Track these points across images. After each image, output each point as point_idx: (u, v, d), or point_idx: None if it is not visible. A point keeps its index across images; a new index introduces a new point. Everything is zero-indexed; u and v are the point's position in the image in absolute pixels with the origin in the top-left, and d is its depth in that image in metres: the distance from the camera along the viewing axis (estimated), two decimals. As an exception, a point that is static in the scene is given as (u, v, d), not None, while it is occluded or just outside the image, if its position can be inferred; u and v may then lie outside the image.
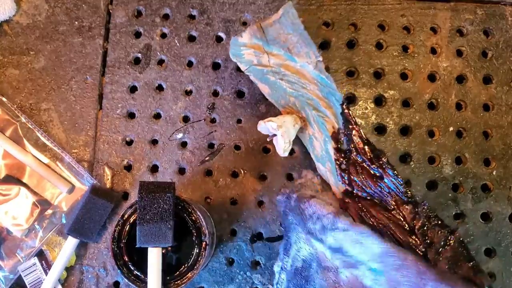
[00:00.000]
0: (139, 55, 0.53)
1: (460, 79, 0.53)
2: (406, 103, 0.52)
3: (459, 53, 0.53)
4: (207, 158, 0.51)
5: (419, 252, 0.41)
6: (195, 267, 0.41)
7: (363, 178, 0.45)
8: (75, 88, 0.53)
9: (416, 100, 0.52)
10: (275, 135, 0.44)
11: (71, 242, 0.48)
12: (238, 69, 0.53)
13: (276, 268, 0.46)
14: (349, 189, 0.45)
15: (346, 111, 0.46)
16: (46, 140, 0.51)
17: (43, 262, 0.49)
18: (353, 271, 0.40)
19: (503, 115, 0.51)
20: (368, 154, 0.46)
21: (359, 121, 0.49)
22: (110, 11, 0.54)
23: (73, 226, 0.47)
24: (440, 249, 0.42)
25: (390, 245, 0.39)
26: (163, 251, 0.41)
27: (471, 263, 0.42)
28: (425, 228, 0.43)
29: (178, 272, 0.42)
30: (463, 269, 0.42)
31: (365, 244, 0.39)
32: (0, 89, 0.52)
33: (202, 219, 0.42)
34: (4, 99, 0.52)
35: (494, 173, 0.50)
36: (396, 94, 0.52)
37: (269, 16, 0.47)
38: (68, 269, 0.49)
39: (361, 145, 0.46)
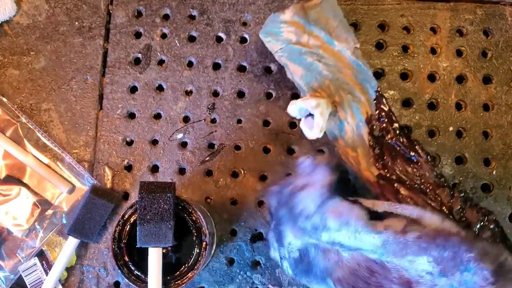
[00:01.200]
0: (139, 55, 0.53)
1: (460, 79, 0.53)
2: (406, 103, 0.52)
3: (459, 53, 0.53)
4: (207, 158, 0.51)
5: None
6: (195, 267, 0.41)
7: (398, 162, 0.44)
8: (75, 88, 0.53)
9: (416, 100, 0.52)
10: (309, 115, 0.44)
11: (72, 242, 0.48)
12: (238, 69, 0.53)
13: (275, 254, 0.44)
14: (383, 173, 0.45)
15: (380, 99, 0.46)
16: (46, 140, 0.51)
17: (43, 262, 0.49)
18: (354, 252, 0.40)
19: (503, 115, 0.52)
20: (403, 139, 0.45)
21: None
22: (110, 11, 0.54)
23: (74, 226, 0.47)
24: (477, 230, 0.41)
25: (391, 233, 0.38)
26: (164, 251, 0.41)
27: (507, 243, 0.42)
28: (463, 210, 0.42)
29: (178, 272, 0.42)
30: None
31: (364, 239, 0.39)
32: (0, 89, 0.52)
33: (203, 219, 0.42)
34: (4, 99, 0.52)
35: (494, 173, 0.50)
36: (396, 94, 0.52)
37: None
38: (69, 269, 0.49)
39: (394, 131, 0.45)
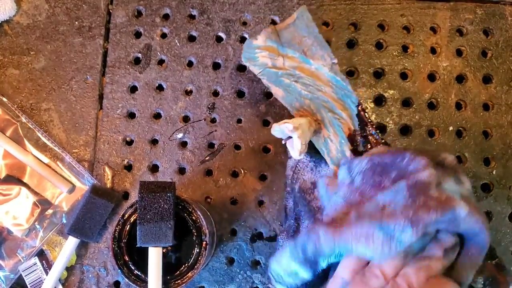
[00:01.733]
0: (139, 55, 0.53)
1: (460, 78, 0.53)
2: (406, 103, 0.52)
3: (459, 52, 0.53)
4: (207, 158, 0.51)
5: None
6: (195, 266, 0.41)
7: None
8: (75, 88, 0.53)
9: (416, 100, 0.52)
10: (290, 137, 0.44)
11: (72, 242, 0.48)
12: (238, 69, 0.53)
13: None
14: None
15: (362, 113, 0.46)
16: (46, 140, 0.51)
17: (43, 261, 0.49)
18: None
19: (503, 115, 0.52)
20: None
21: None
22: (110, 11, 0.54)
23: (74, 226, 0.47)
24: None
25: None
26: (164, 251, 0.41)
27: (495, 261, 0.42)
28: None
29: (178, 272, 0.42)
30: (487, 267, 0.42)
31: None
32: (0, 89, 0.52)
33: (203, 219, 0.42)
34: (4, 99, 0.52)
35: (494, 172, 0.50)
36: (396, 94, 0.52)
37: (283, 20, 0.47)
38: (69, 269, 0.49)
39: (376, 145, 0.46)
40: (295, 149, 0.44)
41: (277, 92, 0.47)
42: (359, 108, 0.46)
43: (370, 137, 0.45)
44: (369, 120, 0.46)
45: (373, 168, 0.37)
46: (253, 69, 0.48)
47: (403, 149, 0.37)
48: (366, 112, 0.46)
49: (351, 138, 0.45)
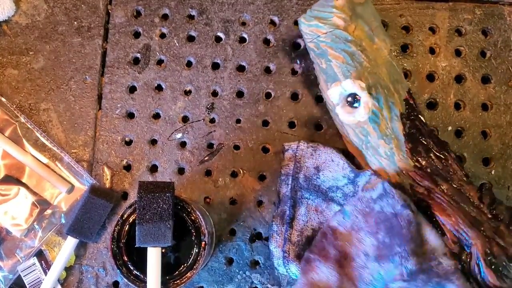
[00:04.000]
0: (138, 55, 0.53)
1: (459, 78, 0.53)
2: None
3: (458, 53, 0.53)
4: (206, 158, 0.51)
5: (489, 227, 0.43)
6: (194, 266, 0.41)
7: (431, 157, 0.46)
8: (74, 88, 0.53)
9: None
10: (354, 100, 0.44)
11: (71, 242, 0.48)
12: (237, 69, 0.53)
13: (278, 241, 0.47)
14: (418, 165, 0.46)
15: (410, 99, 0.48)
16: (45, 140, 0.51)
17: (42, 262, 0.49)
18: None
19: (501, 115, 0.52)
20: (433, 138, 0.47)
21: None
22: (109, 11, 0.54)
23: (73, 226, 0.47)
24: (509, 224, 0.43)
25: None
26: (163, 251, 0.41)
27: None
28: (492, 206, 0.44)
29: (177, 272, 0.42)
30: None
31: None
32: (-1, 89, 0.53)
33: (201, 219, 0.42)
34: (3, 99, 0.52)
35: (492, 172, 0.50)
36: (395, 94, 0.52)
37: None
38: (68, 269, 0.49)
39: (425, 130, 0.47)
40: (364, 108, 0.43)
41: (336, 57, 0.47)
42: (409, 94, 0.48)
43: (416, 122, 0.47)
44: (416, 106, 0.48)
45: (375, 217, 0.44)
46: (314, 30, 0.47)
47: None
48: (415, 101, 0.48)
49: (401, 118, 0.47)
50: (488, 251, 0.41)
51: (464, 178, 0.45)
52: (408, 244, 0.41)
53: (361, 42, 0.46)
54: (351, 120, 0.45)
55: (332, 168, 0.48)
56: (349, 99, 0.45)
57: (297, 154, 0.49)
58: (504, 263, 0.41)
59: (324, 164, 0.48)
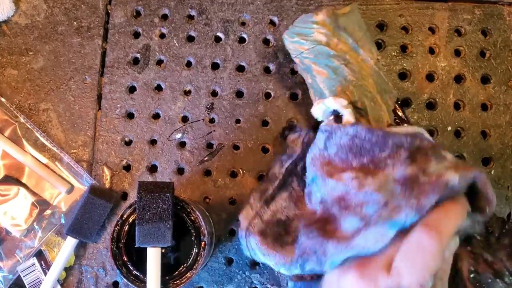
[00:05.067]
0: (138, 55, 0.53)
1: (458, 79, 0.53)
2: (404, 103, 0.52)
3: (457, 53, 0.53)
4: (206, 158, 0.51)
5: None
6: (194, 267, 0.41)
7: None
8: (74, 88, 0.53)
9: (414, 100, 0.52)
10: (336, 116, 0.44)
11: (70, 242, 0.48)
12: (237, 69, 0.53)
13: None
14: None
15: (398, 110, 0.48)
16: (45, 140, 0.51)
17: (42, 262, 0.49)
18: None
19: (501, 115, 0.52)
20: None
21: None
22: (109, 11, 0.54)
23: (72, 226, 0.47)
24: (499, 237, 0.42)
25: None
26: (162, 251, 0.41)
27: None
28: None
29: (177, 272, 0.42)
30: None
31: None
32: (-1, 89, 0.53)
33: (201, 219, 0.42)
34: (3, 99, 0.52)
35: (492, 172, 0.50)
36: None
37: (301, 14, 0.47)
38: (67, 269, 0.49)
39: None
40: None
41: (320, 73, 0.47)
42: (397, 105, 0.48)
43: None
44: (404, 117, 0.48)
45: (351, 146, 0.41)
46: (297, 46, 0.47)
47: (389, 134, 0.39)
48: (403, 110, 0.48)
49: None
50: (472, 269, 0.40)
51: None
52: (383, 151, 0.39)
53: (345, 56, 0.46)
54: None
55: None
56: (332, 117, 0.44)
57: (305, 140, 0.48)
58: (489, 280, 0.40)
59: None
